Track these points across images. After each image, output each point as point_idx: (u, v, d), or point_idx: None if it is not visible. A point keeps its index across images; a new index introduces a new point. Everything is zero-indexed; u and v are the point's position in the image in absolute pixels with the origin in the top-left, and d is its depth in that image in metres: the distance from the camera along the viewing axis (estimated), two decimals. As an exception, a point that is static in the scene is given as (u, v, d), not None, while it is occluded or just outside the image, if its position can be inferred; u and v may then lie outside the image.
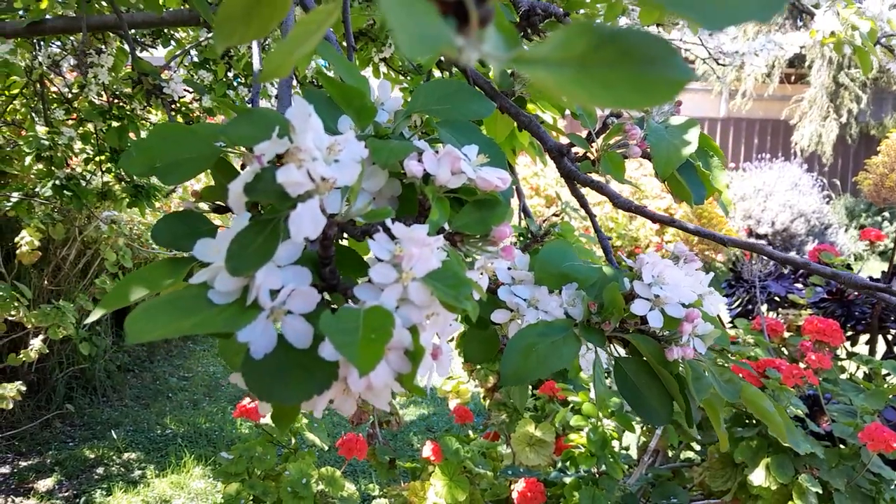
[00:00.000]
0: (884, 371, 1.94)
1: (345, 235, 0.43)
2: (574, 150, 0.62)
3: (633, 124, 0.58)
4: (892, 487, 1.63)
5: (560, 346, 0.48)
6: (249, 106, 0.55)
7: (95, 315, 0.42)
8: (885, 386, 1.87)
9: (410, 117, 0.47)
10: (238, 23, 0.22)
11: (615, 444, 1.83)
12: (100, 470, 2.73)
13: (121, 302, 0.39)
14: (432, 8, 0.16)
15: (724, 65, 2.29)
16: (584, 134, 0.64)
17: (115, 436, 3.00)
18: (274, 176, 0.29)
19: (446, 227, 0.42)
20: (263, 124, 0.38)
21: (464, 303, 0.33)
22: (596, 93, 0.16)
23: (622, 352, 0.53)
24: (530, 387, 2.20)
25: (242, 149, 0.37)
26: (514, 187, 0.44)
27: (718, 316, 2.62)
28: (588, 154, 0.60)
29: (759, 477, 1.60)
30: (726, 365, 0.49)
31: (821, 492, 1.56)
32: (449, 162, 0.38)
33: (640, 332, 0.49)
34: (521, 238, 0.81)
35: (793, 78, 9.94)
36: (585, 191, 0.66)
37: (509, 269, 0.53)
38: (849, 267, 2.49)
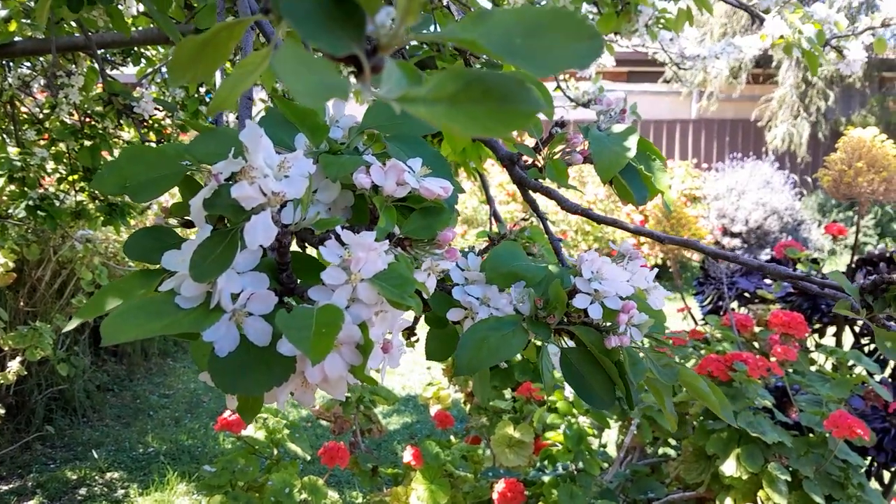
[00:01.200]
0: (849, 361, 2.00)
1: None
2: (524, 158, 0.67)
3: (576, 133, 0.62)
4: (861, 472, 1.69)
5: (510, 338, 0.52)
6: (213, 125, 0.58)
7: (72, 324, 0.45)
8: (851, 375, 1.93)
9: (363, 133, 0.51)
10: (188, 67, 0.26)
11: (593, 441, 1.88)
12: (82, 491, 2.73)
13: (97, 311, 0.42)
14: (326, 62, 0.19)
15: (685, 68, 2.35)
16: (533, 143, 0.68)
17: (96, 456, 2.99)
18: (229, 192, 0.33)
19: (397, 232, 0.45)
20: (224, 143, 0.42)
21: (408, 300, 0.37)
22: (465, 124, 0.20)
23: (572, 343, 0.57)
24: (509, 389, 2.25)
25: (204, 167, 0.41)
26: (457, 195, 0.48)
27: (693, 311, 2.67)
28: (535, 162, 0.64)
29: (730, 467, 1.65)
30: (665, 352, 0.53)
31: (790, 479, 1.61)
32: (394, 174, 0.42)
33: (583, 324, 0.53)
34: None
35: (760, 78, 10.12)
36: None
37: (462, 270, 0.57)
38: (814, 261, 2.56)
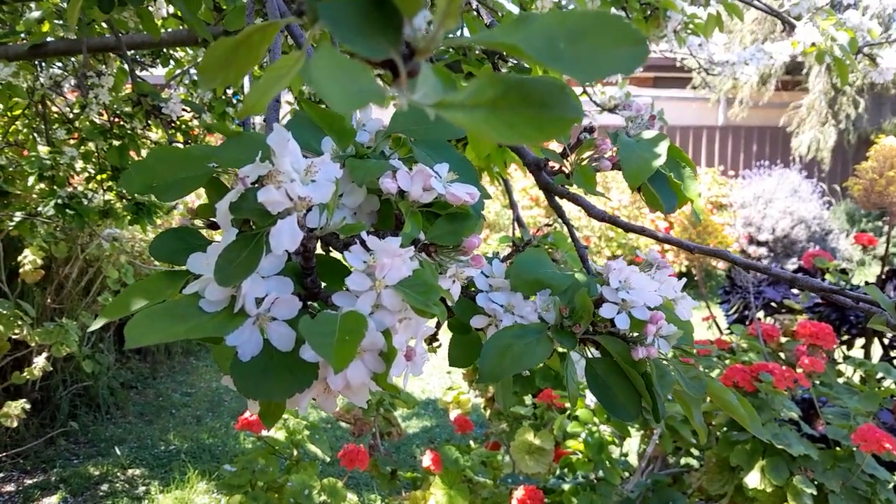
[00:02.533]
0: (878, 374, 1.96)
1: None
2: (550, 164, 0.66)
3: (604, 139, 0.62)
4: (889, 488, 1.65)
5: (534, 346, 0.51)
6: (241, 128, 0.58)
7: (98, 324, 0.45)
8: (879, 388, 1.89)
9: (390, 137, 0.50)
10: (219, 70, 0.25)
11: (614, 450, 1.86)
12: (104, 487, 2.75)
13: (122, 311, 0.42)
14: (362, 66, 0.19)
15: (714, 74, 2.33)
16: (560, 148, 0.67)
17: (118, 452, 3.02)
18: (256, 196, 0.33)
19: (423, 238, 0.45)
20: (251, 147, 0.42)
21: (432, 308, 0.36)
22: (502, 131, 0.19)
23: (597, 353, 0.56)
24: (530, 395, 2.23)
25: (231, 170, 0.41)
26: (483, 201, 0.47)
27: (704, 320, 2.64)
28: (563, 168, 0.64)
29: (754, 479, 1.62)
30: (692, 363, 0.52)
31: (815, 493, 1.58)
32: (421, 179, 0.41)
33: (609, 334, 0.52)
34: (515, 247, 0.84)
35: (790, 85, 10.00)
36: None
37: (487, 277, 0.56)
38: (843, 272, 2.52)
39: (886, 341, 2.35)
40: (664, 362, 0.51)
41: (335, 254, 0.47)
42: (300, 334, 0.35)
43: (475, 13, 1.02)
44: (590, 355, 0.55)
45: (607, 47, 0.20)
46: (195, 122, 2.27)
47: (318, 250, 0.45)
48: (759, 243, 7.31)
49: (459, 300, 0.58)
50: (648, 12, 1.43)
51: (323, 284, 0.42)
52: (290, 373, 0.34)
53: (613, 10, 1.43)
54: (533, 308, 0.54)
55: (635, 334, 0.52)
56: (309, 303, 0.39)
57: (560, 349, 0.55)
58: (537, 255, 0.57)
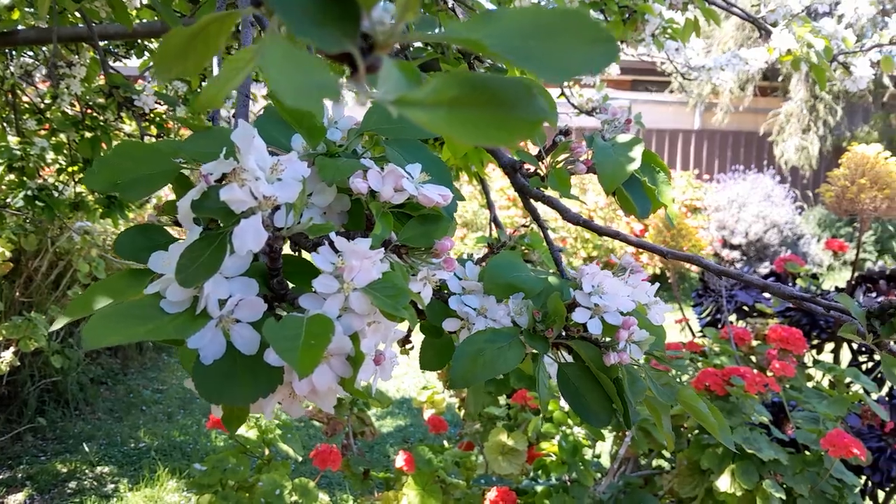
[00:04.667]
0: (847, 379, 1.98)
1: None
2: (526, 166, 0.65)
3: (580, 142, 0.61)
4: (856, 492, 1.68)
5: (506, 351, 0.50)
6: (209, 123, 0.57)
7: (59, 323, 0.44)
8: (848, 393, 1.91)
9: (364, 136, 0.49)
10: (175, 61, 0.24)
11: (587, 452, 1.86)
12: (72, 484, 2.71)
13: (85, 310, 0.41)
14: (316, 60, 0.18)
15: (690, 79, 2.34)
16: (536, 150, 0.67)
17: (87, 449, 2.97)
18: (219, 194, 0.32)
19: (394, 239, 0.44)
20: (218, 143, 0.41)
21: (402, 312, 0.35)
22: (465, 131, 0.18)
23: (569, 358, 0.56)
24: (504, 396, 2.23)
25: (196, 166, 0.39)
26: (457, 203, 0.46)
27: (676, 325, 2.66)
28: (538, 170, 0.63)
29: (724, 483, 1.63)
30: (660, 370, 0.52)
31: (784, 497, 1.60)
32: (392, 180, 0.40)
33: (582, 339, 0.52)
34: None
35: (766, 91, 10.11)
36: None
37: (460, 279, 0.55)
38: (814, 277, 2.55)
39: (855, 346, 2.38)
40: (636, 368, 0.51)
41: (306, 254, 0.46)
42: (265, 337, 0.34)
43: (451, 11, 1.01)
44: (562, 360, 0.55)
45: (577, 46, 0.19)
46: (171, 115, 2.23)
47: (288, 250, 0.44)
48: (733, 247, 7.39)
49: (432, 303, 0.57)
50: (626, 15, 1.43)
51: (292, 286, 0.41)
52: (254, 376, 0.33)
53: (592, 12, 1.43)
54: (506, 312, 0.54)
55: (608, 339, 0.51)
56: (276, 305, 0.38)
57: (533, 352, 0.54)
58: (511, 258, 0.57)
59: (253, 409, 0.36)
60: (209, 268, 0.33)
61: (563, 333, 0.53)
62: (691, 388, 0.52)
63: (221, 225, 0.40)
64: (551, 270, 0.68)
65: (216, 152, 0.38)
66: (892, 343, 0.48)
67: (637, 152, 0.62)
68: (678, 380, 1.86)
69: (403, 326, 0.51)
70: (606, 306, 0.50)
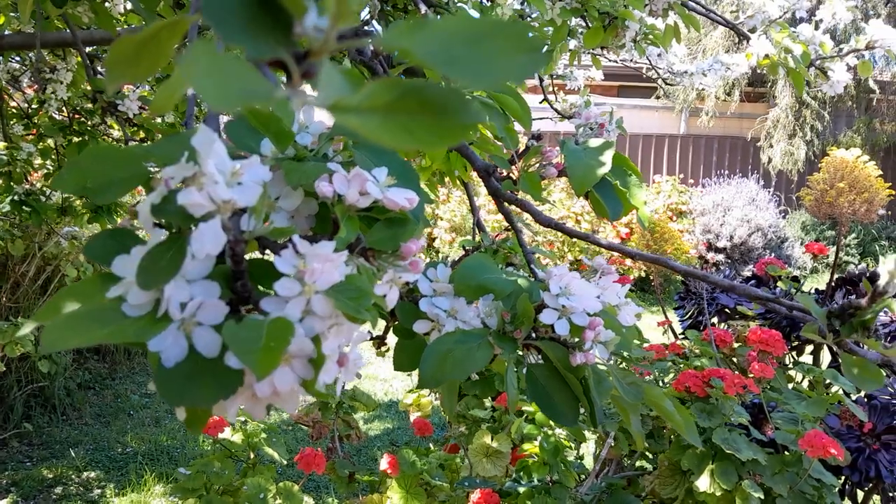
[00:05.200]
0: (826, 380, 2.00)
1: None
2: (499, 170, 0.66)
3: (552, 146, 0.62)
4: (835, 492, 1.69)
5: (475, 351, 0.51)
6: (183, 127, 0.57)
7: (27, 328, 0.44)
8: (827, 394, 1.93)
9: (333, 140, 0.50)
10: (126, 66, 0.25)
11: (570, 453, 1.87)
12: (58, 490, 2.69)
13: (54, 315, 0.41)
14: (245, 65, 0.19)
15: (673, 84, 2.36)
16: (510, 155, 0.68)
17: (74, 455, 2.96)
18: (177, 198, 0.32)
19: (362, 242, 0.45)
20: (186, 146, 0.41)
21: (364, 314, 0.36)
22: (399, 136, 0.19)
23: (539, 358, 0.57)
24: (489, 398, 2.24)
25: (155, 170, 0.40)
26: (424, 205, 0.47)
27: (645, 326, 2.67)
28: (510, 174, 0.64)
29: (704, 483, 1.64)
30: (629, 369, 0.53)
31: (763, 497, 1.61)
32: (357, 183, 0.41)
33: (550, 340, 0.53)
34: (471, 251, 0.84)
35: (752, 96, 10.18)
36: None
37: (431, 281, 0.56)
38: (795, 279, 2.57)
39: (836, 348, 2.40)
40: (602, 368, 0.52)
41: (273, 257, 0.46)
42: (224, 340, 0.34)
43: (425, 17, 1.02)
44: (532, 360, 0.56)
45: (503, 54, 0.20)
46: (159, 121, 2.23)
47: (257, 254, 0.45)
48: (718, 250, 7.45)
49: (404, 305, 0.58)
50: (607, 21, 1.45)
51: (261, 288, 0.42)
52: (215, 379, 0.34)
53: (573, 18, 1.45)
54: (476, 313, 0.54)
55: (575, 340, 0.52)
56: (240, 307, 0.39)
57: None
58: (482, 260, 0.57)
59: (216, 410, 0.36)
60: (170, 270, 0.33)
61: (533, 334, 0.54)
62: (658, 388, 0.53)
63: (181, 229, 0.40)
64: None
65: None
66: (851, 342, 0.49)
67: (608, 156, 0.63)
68: (661, 381, 1.87)
69: (365, 328, 0.51)
70: (573, 307, 0.51)
